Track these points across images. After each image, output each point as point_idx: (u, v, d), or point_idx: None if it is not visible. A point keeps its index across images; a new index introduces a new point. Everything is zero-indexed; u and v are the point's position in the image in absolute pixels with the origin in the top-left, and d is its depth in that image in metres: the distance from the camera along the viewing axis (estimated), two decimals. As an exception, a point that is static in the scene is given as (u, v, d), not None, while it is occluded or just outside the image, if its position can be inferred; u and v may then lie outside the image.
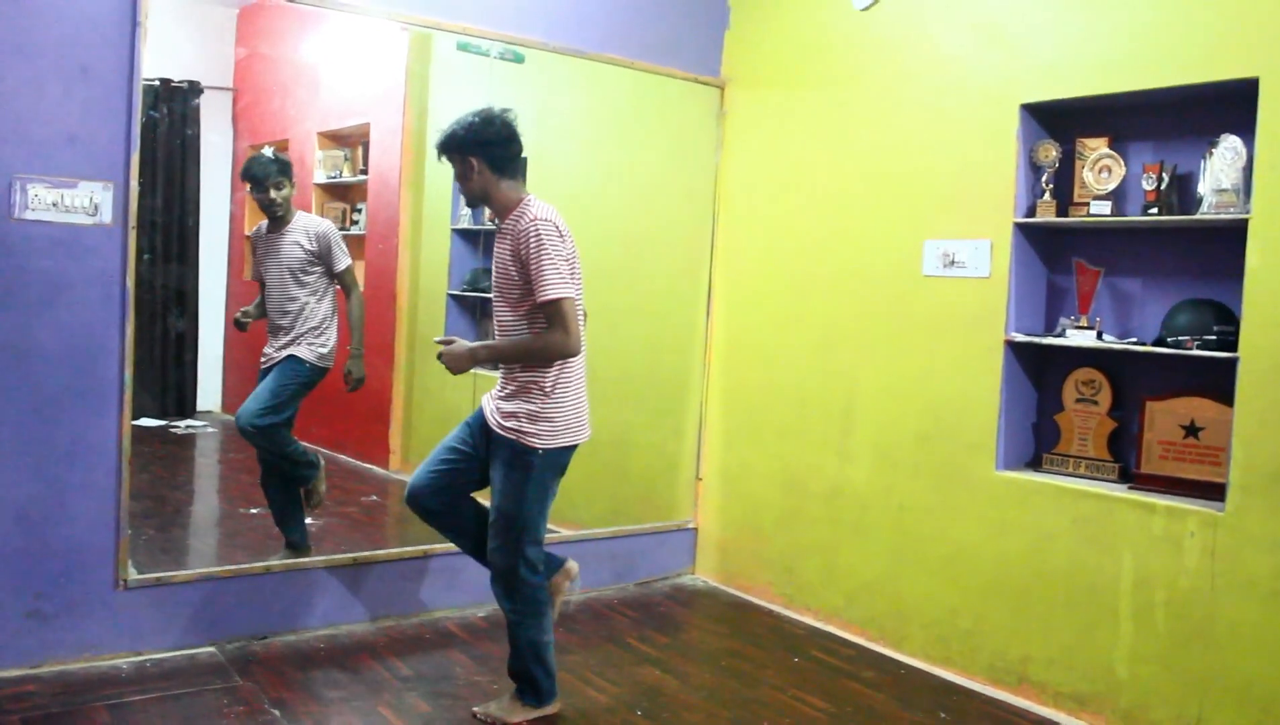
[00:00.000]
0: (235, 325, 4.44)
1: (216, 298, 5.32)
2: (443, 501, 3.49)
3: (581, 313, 3.34)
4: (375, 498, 5.23)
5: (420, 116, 5.14)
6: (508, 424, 3.33)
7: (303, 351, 4.30)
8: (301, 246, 4.30)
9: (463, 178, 3.37)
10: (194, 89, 5.00)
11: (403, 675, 3.80)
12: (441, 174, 5.33)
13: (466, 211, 5.32)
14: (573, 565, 3.63)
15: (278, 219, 4.32)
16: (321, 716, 3.42)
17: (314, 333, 4.31)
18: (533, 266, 3.20)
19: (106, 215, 3.62)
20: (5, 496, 3.52)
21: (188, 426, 5.31)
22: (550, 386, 3.31)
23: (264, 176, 4.24)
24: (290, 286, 4.31)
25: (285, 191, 4.29)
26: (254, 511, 4.84)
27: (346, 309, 4.41)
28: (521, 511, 3.33)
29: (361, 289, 4.47)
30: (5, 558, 3.54)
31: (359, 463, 5.20)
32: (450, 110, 5.11)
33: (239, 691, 3.56)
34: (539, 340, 3.26)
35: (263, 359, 4.38)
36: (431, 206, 5.31)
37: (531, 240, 3.20)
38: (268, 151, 4.40)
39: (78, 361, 3.62)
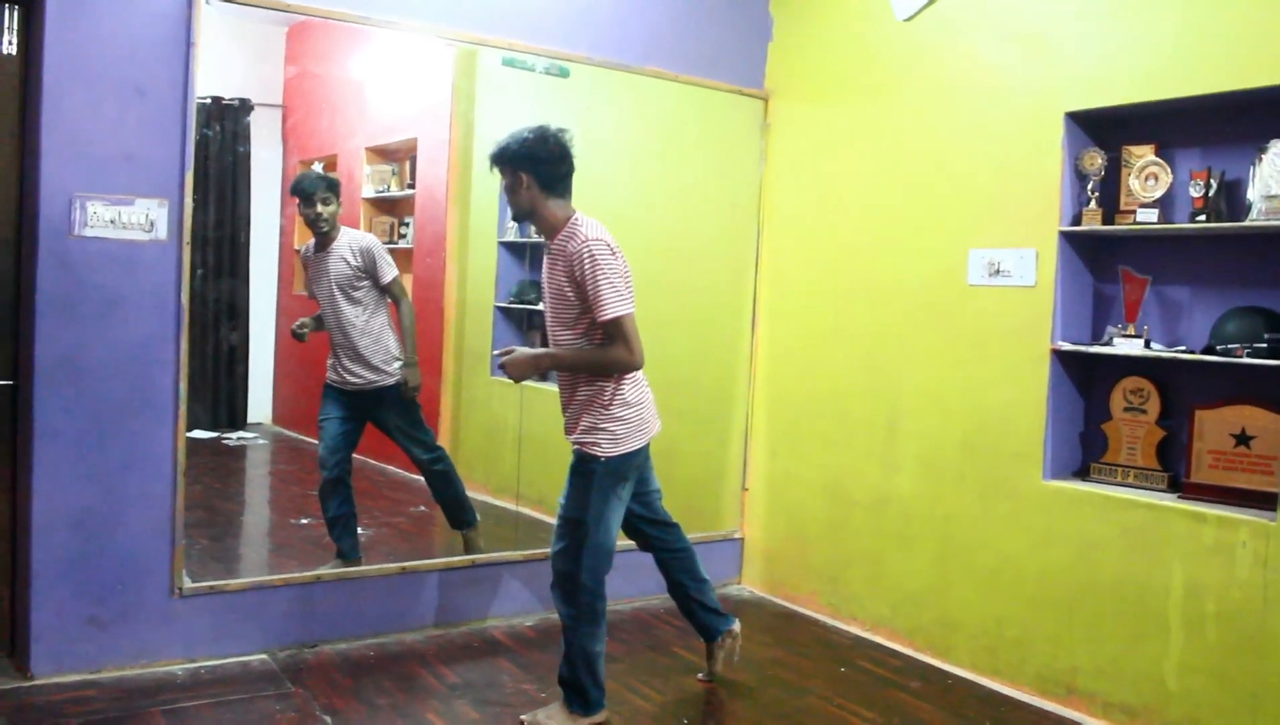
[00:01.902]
0: (293, 336, 4.54)
1: (267, 312, 5.40)
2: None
3: None
4: (424, 508, 5.27)
5: (466, 131, 5.19)
6: (572, 436, 3.46)
7: (388, 378, 4.45)
8: (348, 262, 4.39)
9: (511, 190, 3.43)
10: (245, 107, 5.09)
11: (451, 683, 3.84)
12: (488, 188, 5.38)
13: (513, 224, 5.36)
14: (738, 625, 3.99)
15: (323, 235, 4.41)
16: (371, 723, 3.46)
17: (379, 353, 4.43)
18: (589, 287, 3.25)
19: (162, 231, 3.71)
20: (65, 506, 3.61)
21: (239, 438, 5.40)
22: (608, 400, 3.40)
23: (312, 191, 4.35)
24: (342, 303, 4.40)
25: (332, 208, 4.38)
26: (304, 522, 4.91)
27: (398, 319, 4.50)
28: (585, 518, 3.40)
29: (410, 299, 4.55)
30: (66, 565, 3.62)
31: (408, 474, 5.26)
32: (496, 125, 5.17)
33: (291, 698, 3.61)
34: (603, 353, 3.33)
35: (334, 378, 4.48)
36: (478, 220, 5.36)
37: (586, 262, 3.26)
38: (316, 168, 4.48)
39: (134, 374, 3.70)
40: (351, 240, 4.44)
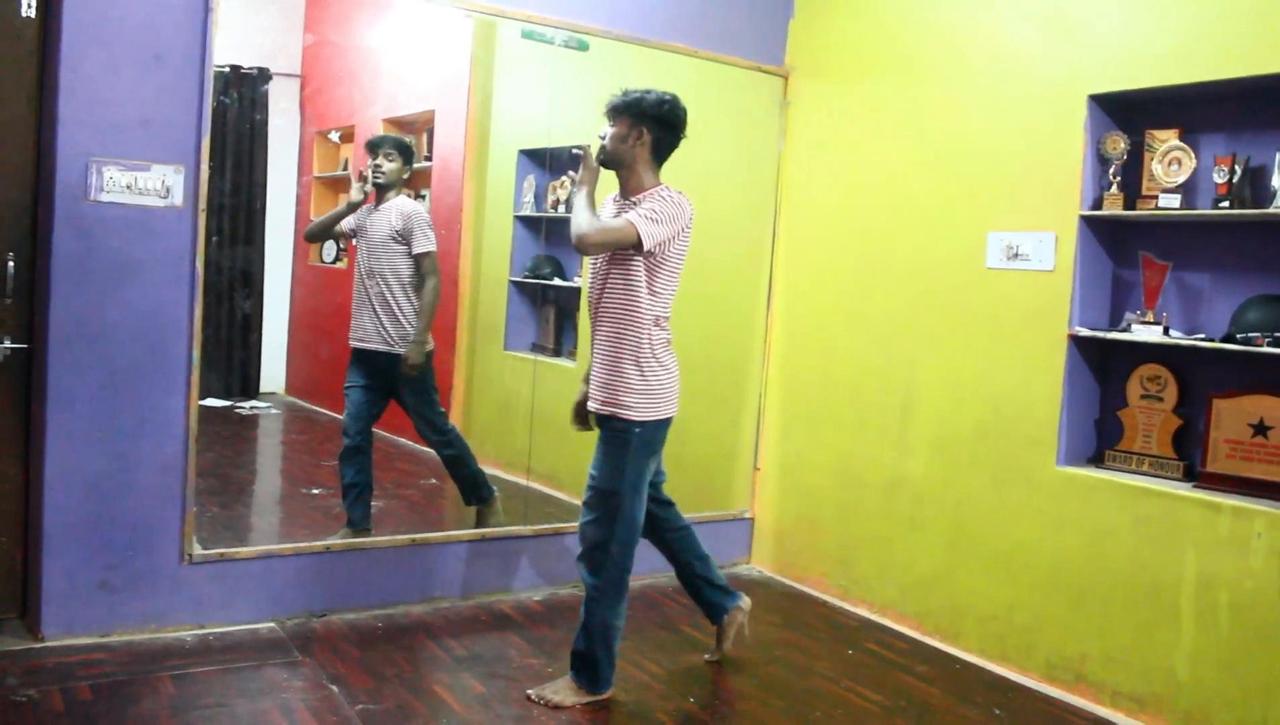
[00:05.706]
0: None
1: (282, 281, 5.40)
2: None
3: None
4: (434, 481, 5.28)
5: (484, 103, 5.17)
6: (604, 396, 3.43)
7: (399, 348, 4.47)
8: (390, 223, 4.47)
9: (621, 139, 3.45)
10: (263, 75, 5.07)
11: (458, 655, 3.85)
12: (504, 161, 5.38)
13: (529, 199, 5.34)
14: (746, 601, 3.93)
15: (379, 188, 4.51)
16: (377, 694, 3.47)
17: (395, 322, 4.46)
18: (641, 206, 3.34)
19: (178, 198, 3.70)
20: (77, 471, 3.62)
21: (252, 407, 5.41)
22: (645, 361, 3.40)
23: (378, 144, 4.52)
24: (378, 261, 4.48)
25: (392, 165, 4.48)
26: (315, 492, 4.92)
27: (421, 294, 4.49)
28: (620, 488, 3.39)
29: (439, 279, 4.57)
30: (78, 530, 3.64)
31: (418, 446, 5.26)
32: (515, 97, 5.16)
33: (298, 667, 3.62)
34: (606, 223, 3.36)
35: (353, 338, 4.52)
36: (494, 193, 5.35)
37: (657, 198, 3.37)
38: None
39: (148, 340, 3.70)
40: (401, 204, 4.52)
